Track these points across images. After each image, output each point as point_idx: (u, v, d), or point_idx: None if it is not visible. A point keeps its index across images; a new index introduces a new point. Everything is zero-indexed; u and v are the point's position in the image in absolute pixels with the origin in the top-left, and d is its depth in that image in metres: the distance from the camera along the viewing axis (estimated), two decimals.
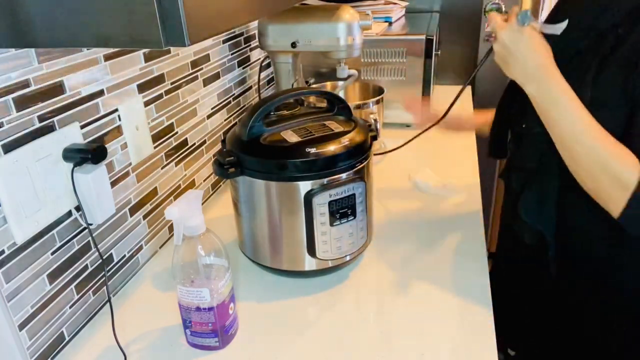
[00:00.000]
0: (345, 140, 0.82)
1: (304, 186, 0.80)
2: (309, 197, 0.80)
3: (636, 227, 0.71)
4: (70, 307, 0.77)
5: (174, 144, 1.02)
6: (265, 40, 1.26)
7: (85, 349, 0.76)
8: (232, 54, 1.25)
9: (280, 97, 0.84)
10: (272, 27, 1.23)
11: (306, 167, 0.79)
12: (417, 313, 0.79)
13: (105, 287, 0.84)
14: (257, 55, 1.41)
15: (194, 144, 1.10)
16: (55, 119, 0.71)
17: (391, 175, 1.24)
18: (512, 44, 0.75)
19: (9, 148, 0.64)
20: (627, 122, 0.72)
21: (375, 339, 0.74)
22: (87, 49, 0.75)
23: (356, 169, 0.83)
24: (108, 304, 0.81)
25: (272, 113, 0.88)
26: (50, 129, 0.70)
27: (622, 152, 0.70)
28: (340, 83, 1.39)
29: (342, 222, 0.83)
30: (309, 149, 0.79)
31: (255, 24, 1.34)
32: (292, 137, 0.82)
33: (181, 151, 1.05)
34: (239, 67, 1.30)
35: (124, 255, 0.89)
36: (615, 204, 0.70)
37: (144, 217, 0.94)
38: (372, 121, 1.26)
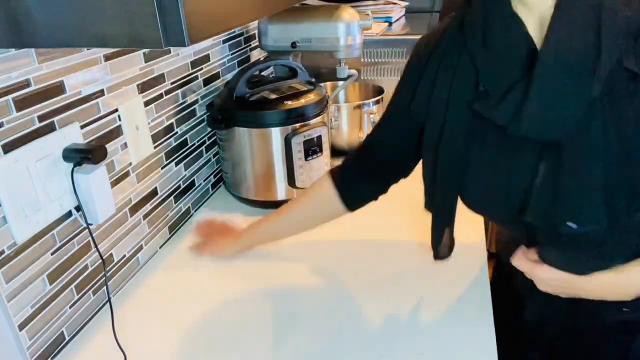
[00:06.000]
0: (311, 96, 1.07)
1: (284, 130, 1.03)
2: (288, 138, 1.03)
3: None
4: (70, 307, 0.77)
5: (174, 144, 1.02)
6: (265, 40, 1.26)
7: (85, 349, 0.76)
8: (232, 54, 1.25)
9: (255, 66, 1.09)
10: (272, 27, 1.23)
11: (286, 116, 1.02)
12: (417, 313, 0.79)
13: (105, 287, 0.84)
14: (257, 55, 1.41)
15: (194, 144, 1.10)
16: (55, 119, 0.71)
17: None
18: (564, 283, 0.66)
19: (9, 148, 0.64)
20: None
21: (375, 339, 0.74)
22: (87, 49, 0.75)
23: (321, 116, 1.07)
24: (108, 304, 0.81)
25: (249, 80, 1.09)
26: (50, 129, 0.70)
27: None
28: (340, 83, 1.39)
29: (314, 157, 1.07)
30: (287, 102, 1.04)
31: (255, 24, 1.34)
32: (271, 95, 1.06)
33: (181, 151, 1.05)
34: (239, 67, 1.30)
35: (124, 255, 0.89)
36: None
37: (144, 217, 0.94)
38: (372, 121, 1.26)
